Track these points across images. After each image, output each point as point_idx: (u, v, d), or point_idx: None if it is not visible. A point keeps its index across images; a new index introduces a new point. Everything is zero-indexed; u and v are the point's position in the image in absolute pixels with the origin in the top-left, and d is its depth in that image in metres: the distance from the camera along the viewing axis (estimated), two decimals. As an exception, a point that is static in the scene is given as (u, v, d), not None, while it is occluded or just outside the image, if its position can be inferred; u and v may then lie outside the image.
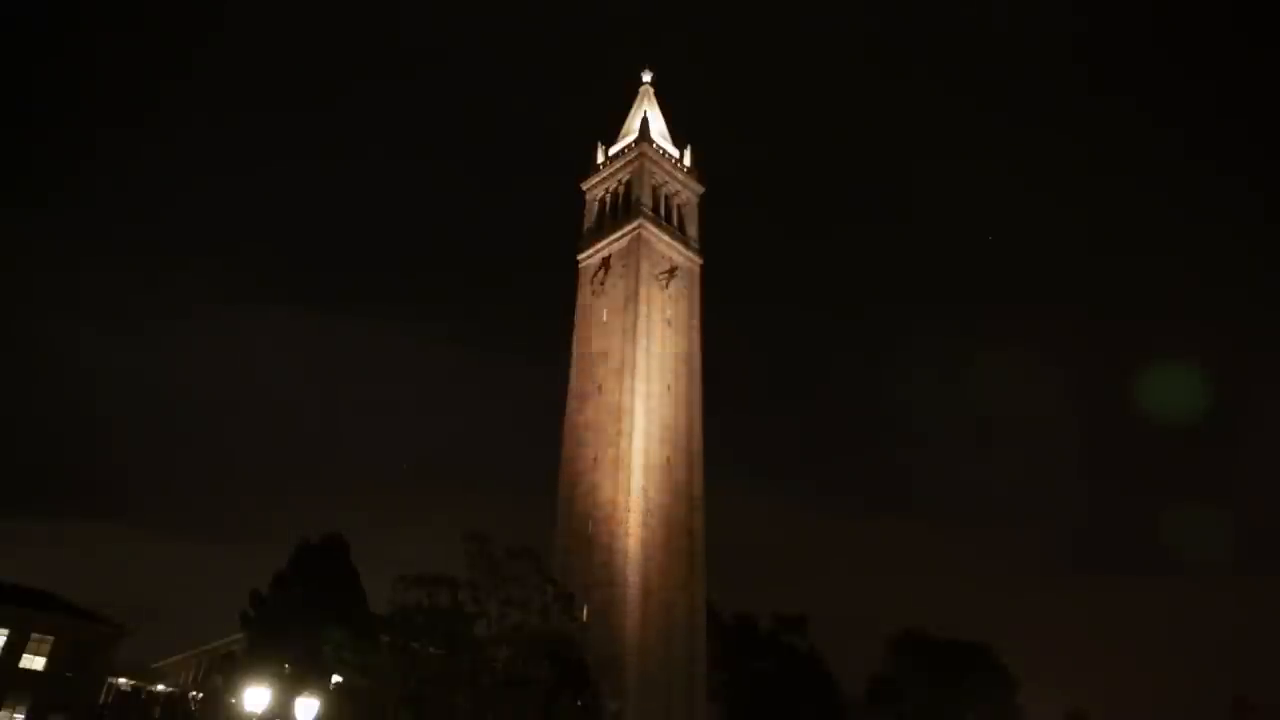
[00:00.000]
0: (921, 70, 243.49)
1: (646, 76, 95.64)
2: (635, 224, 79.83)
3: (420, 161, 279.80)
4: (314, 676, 44.55)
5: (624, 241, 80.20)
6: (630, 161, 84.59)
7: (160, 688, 68.48)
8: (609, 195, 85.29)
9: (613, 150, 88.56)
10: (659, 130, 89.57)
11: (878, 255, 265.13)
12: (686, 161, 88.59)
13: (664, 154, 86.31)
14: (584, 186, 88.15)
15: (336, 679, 49.05)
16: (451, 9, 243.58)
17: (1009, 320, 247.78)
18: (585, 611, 62.12)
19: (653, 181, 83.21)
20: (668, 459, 71.46)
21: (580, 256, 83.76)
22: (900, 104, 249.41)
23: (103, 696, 61.88)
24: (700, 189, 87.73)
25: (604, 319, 78.03)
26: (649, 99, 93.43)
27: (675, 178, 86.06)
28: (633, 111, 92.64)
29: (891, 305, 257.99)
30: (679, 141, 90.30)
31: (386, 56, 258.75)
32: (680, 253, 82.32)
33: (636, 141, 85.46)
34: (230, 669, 53.57)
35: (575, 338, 79.93)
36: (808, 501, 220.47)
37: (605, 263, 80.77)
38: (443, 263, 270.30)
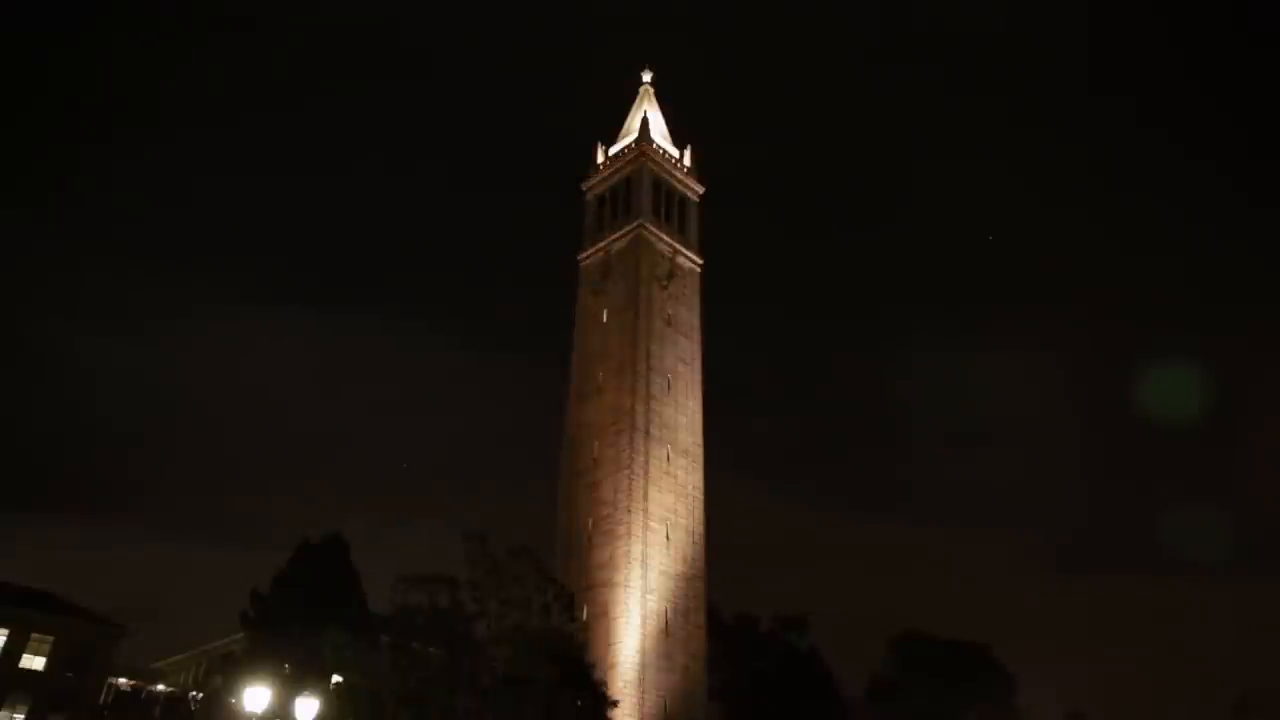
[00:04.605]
0: (922, 70, 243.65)
1: (646, 76, 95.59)
2: (635, 224, 79.87)
3: (420, 161, 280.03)
4: (314, 676, 44.54)
5: (624, 241, 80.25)
6: (630, 161, 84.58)
7: (160, 688, 68.51)
8: (609, 195, 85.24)
9: (613, 150, 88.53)
10: (659, 130, 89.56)
11: (878, 255, 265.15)
12: (686, 161, 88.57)
13: (664, 154, 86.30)
14: (584, 186, 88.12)
15: (336, 679, 49.08)
16: (451, 8, 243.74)
17: (1009, 320, 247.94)
18: (585, 611, 62.23)
19: (653, 181, 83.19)
20: (668, 459, 71.51)
21: (580, 256, 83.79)
22: (900, 104, 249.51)
23: (103, 696, 61.98)
24: (700, 189, 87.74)
25: (604, 319, 78.07)
26: (649, 99, 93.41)
27: (675, 178, 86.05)
28: (633, 111, 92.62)
29: (892, 305, 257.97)
30: (679, 141, 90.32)
31: (386, 56, 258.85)
32: (680, 253, 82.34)
33: (636, 141, 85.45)
34: (230, 669, 53.55)
35: (575, 338, 79.98)
36: (808, 501, 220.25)
37: (605, 263, 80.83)
38: (443, 262, 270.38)
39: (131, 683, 67.20)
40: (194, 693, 65.14)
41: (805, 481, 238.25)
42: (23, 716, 56.46)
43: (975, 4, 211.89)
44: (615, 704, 56.22)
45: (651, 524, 67.67)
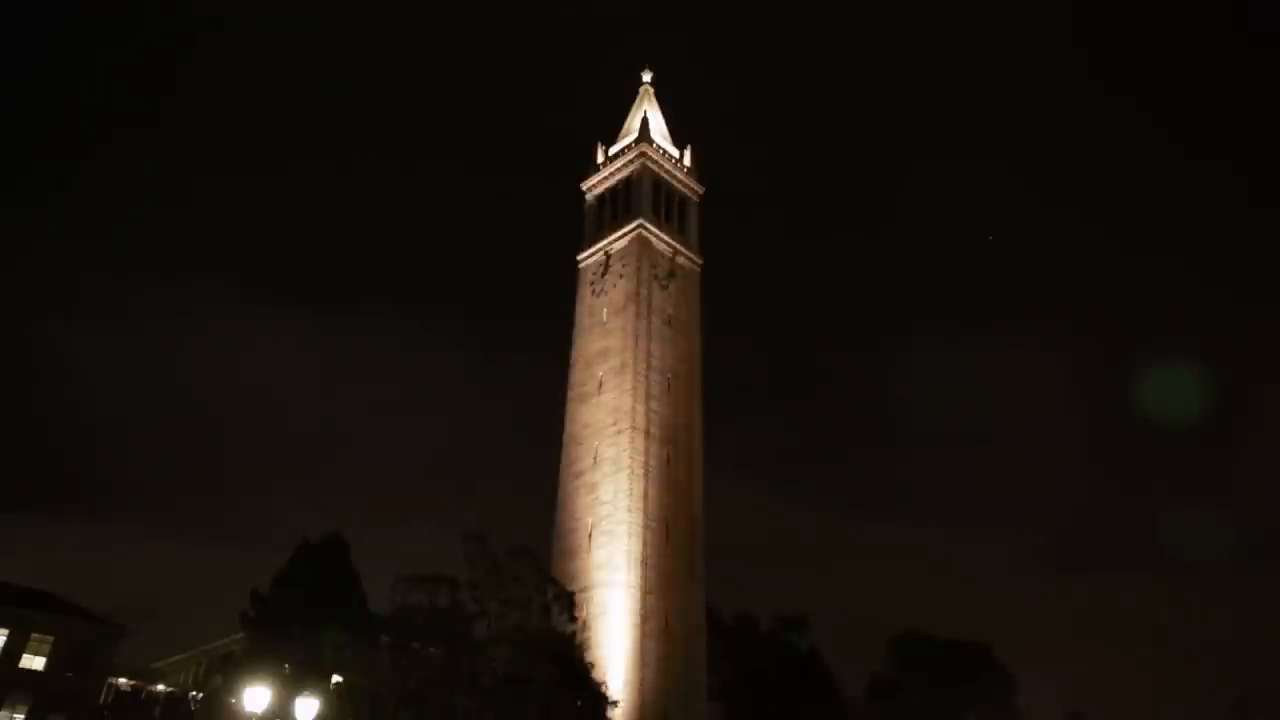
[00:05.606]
0: (922, 70, 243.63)
1: (646, 76, 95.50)
2: (635, 224, 79.82)
3: (420, 161, 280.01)
4: (314, 676, 44.53)
5: (624, 241, 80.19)
6: (630, 161, 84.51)
7: (160, 688, 68.51)
8: (609, 195, 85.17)
9: (613, 150, 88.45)
10: (659, 130, 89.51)
11: (878, 255, 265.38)
12: (686, 161, 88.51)
13: (664, 154, 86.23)
14: (584, 186, 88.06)
15: (336, 679, 49.07)
16: (451, 8, 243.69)
17: (1009, 320, 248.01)
18: (585, 611, 62.15)
19: (653, 181, 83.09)
20: (668, 459, 71.44)
21: (580, 256, 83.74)
22: (900, 103, 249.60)
23: (103, 696, 61.99)
24: (700, 189, 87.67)
25: (604, 319, 78.01)
26: (649, 99, 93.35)
27: (675, 178, 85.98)
28: (633, 111, 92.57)
29: (892, 305, 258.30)
30: (679, 141, 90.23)
31: (386, 56, 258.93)
32: (680, 253, 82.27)
33: (636, 141, 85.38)
34: (230, 669, 53.55)
35: (575, 338, 79.90)
36: (808, 501, 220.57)
37: (605, 263, 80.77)
38: (443, 262, 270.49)
39: (131, 683, 67.23)
40: (194, 693, 65.13)
41: (805, 481, 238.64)
42: (23, 716, 56.45)
43: (975, 4, 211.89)
44: (615, 704, 56.20)
45: (651, 524, 67.63)
